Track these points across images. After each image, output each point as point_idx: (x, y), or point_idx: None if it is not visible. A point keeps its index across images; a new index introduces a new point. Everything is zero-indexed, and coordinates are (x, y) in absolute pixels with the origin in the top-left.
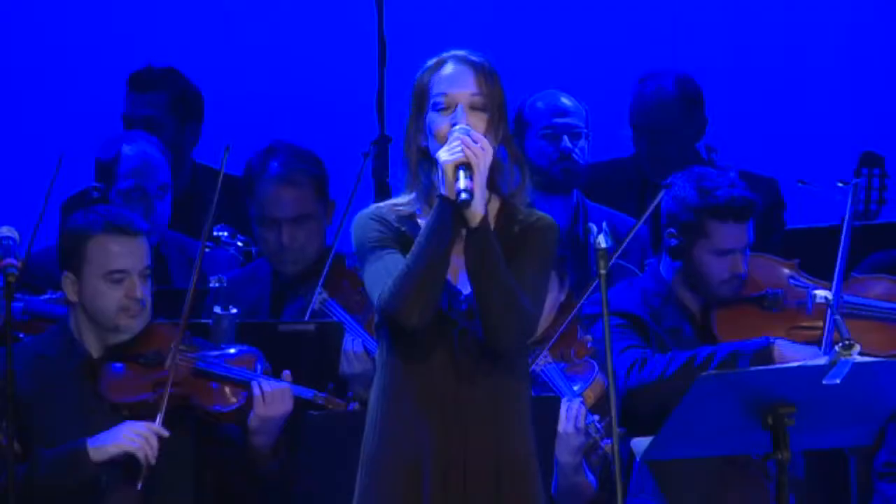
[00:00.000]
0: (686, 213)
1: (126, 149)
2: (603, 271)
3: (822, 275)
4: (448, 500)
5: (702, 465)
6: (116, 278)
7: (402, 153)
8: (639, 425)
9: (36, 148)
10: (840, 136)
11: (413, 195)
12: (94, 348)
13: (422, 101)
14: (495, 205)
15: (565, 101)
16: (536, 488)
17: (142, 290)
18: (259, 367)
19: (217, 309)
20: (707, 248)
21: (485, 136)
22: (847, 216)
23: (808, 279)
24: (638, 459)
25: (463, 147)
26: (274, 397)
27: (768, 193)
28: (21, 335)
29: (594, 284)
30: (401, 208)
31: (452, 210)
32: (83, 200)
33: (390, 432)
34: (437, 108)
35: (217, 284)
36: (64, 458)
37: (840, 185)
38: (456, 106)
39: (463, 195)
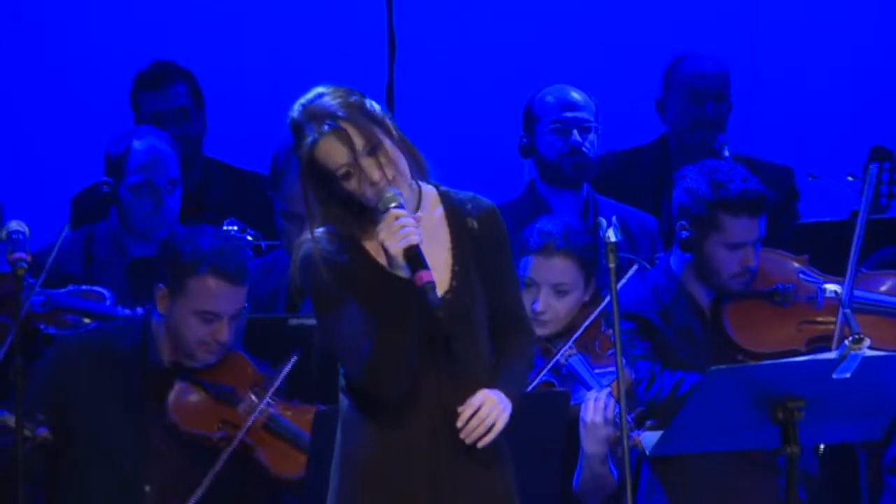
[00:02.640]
0: (698, 206)
1: (136, 144)
2: (612, 265)
3: (832, 269)
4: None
5: (713, 462)
6: (207, 318)
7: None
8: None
9: (44, 144)
10: (850, 130)
11: (347, 228)
12: (167, 359)
13: (323, 175)
14: (432, 194)
15: (575, 95)
16: (512, 488)
17: (228, 333)
18: None
19: None
20: (719, 241)
21: (395, 157)
22: (862, 212)
23: (818, 274)
24: (648, 455)
25: (404, 227)
26: None
27: (782, 182)
28: (42, 326)
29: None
30: (342, 240)
31: (409, 291)
32: (93, 195)
33: (384, 444)
34: (346, 178)
35: None
36: None
37: (850, 179)
38: (359, 168)
39: (431, 296)
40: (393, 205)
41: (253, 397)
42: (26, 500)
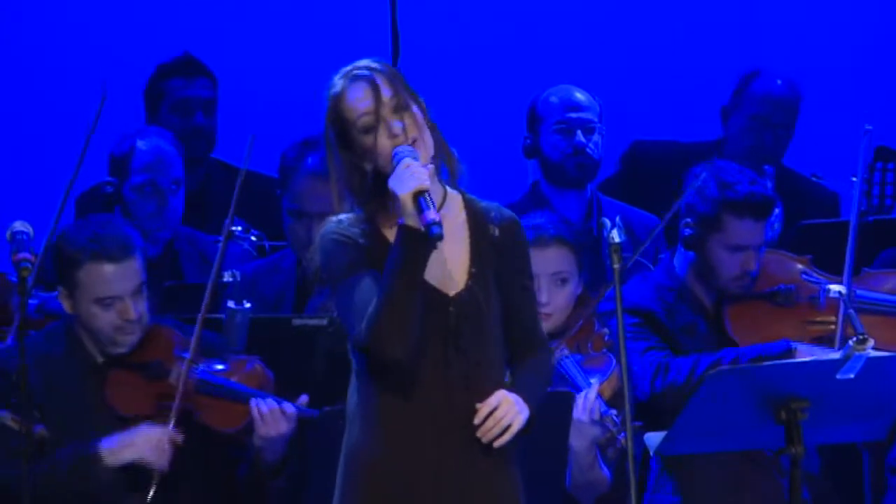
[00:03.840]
0: (704, 205)
1: (140, 144)
2: (616, 266)
3: (836, 269)
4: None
5: (718, 463)
6: (107, 303)
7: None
8: (659, 420)
9: (49, 142)
10: (854, 130)
11: (370, 210)
12: (96, 353)
13: (344, 131)
14: (457, 199)
15: (579, 95)
16: (519, 488)
17: (134, 309)
18: (268, 379)
19: (230, 304)
20: (721, 242)
21: (422, 126)
22: (854, 212)
23: (820, 274)
24: (653, 456)
25: (414, 174)
26: (273, 417)
27: (828, 206)
28: (33, 333)
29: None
30: (363, 224)
31: (418, 239)
32: (97, 195)
33: (390, 442)
34: (367, 130)
35: (231, 279)
36: (78, 462)
37: (854, 179)
38: (381, 121)
39: (435, 229)
40: (402, 148)
41: (181, 363)
42: None
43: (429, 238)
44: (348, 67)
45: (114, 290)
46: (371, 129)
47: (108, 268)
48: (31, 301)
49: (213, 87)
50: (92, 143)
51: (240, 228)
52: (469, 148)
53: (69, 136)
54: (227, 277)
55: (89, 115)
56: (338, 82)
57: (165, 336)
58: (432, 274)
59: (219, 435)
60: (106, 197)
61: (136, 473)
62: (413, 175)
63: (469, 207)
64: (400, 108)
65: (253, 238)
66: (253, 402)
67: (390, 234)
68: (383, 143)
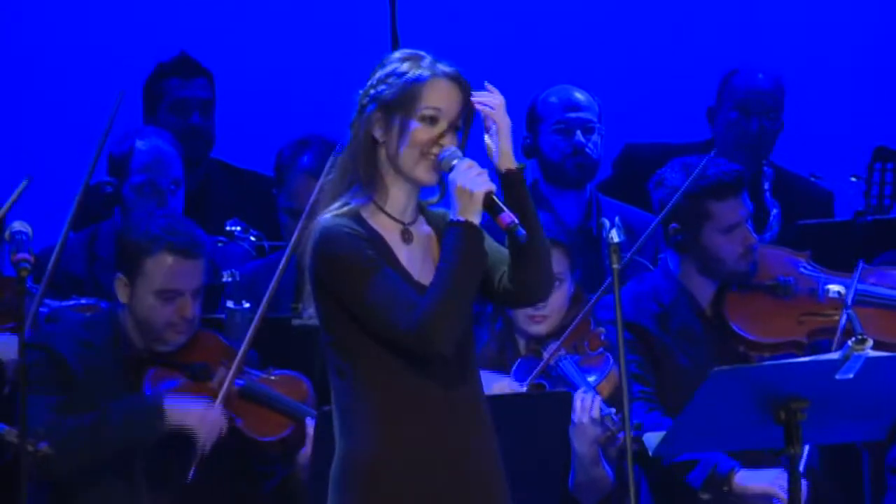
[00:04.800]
0: (684, 202)
1: (139, 144)
2: (616, 266)
3: (833, 268)
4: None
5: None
6: (168, 297)
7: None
8: None
9: (48, 142)
10: (853, 131)
11: (353, 193)
12: (139, 348)
13: (409, 106)
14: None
15: (578, 95)
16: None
17: (192, 309)
18: (309, 396)
19: (230, 304)
20: (714, 228)
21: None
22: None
23: (819, 268)
24: (651, 454)
25: (482, 174)
26: None
27: (823, 204)
28: (73, 317)
29: (607, 281)
30: (357, 216)
31: (480, 236)
32: (96, 195)
33: (391, 441)
34: (425, 119)
35: (230, 279)
36: (138, 411)
37: (853, 179)
38: (441, 121)
39: (521, 230)
40: (459, 158)
41: (224, 369)
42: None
43: (516, 237)
44: (440, 63)
45: (179, 284)
46: (430, 122)
47: (179, 261)
48: (41, 309)
49: (210, 87)
50: (91, 142)
51: (239, 228)
52: (468, 148)
53: (69, 135)
54: (226, 277)
55: (89, 114)
56: (419, 69)
57: (211, 341)
58: (425, 275)
59: (253, 444)
60: (105, 197)
61: (172, 461)
62: (482, 175)
63: (425, 213)
64: (464, 128)
65: (252, 238)
66: (310, 420)
67: (378, 228)
68: (429, 143)
